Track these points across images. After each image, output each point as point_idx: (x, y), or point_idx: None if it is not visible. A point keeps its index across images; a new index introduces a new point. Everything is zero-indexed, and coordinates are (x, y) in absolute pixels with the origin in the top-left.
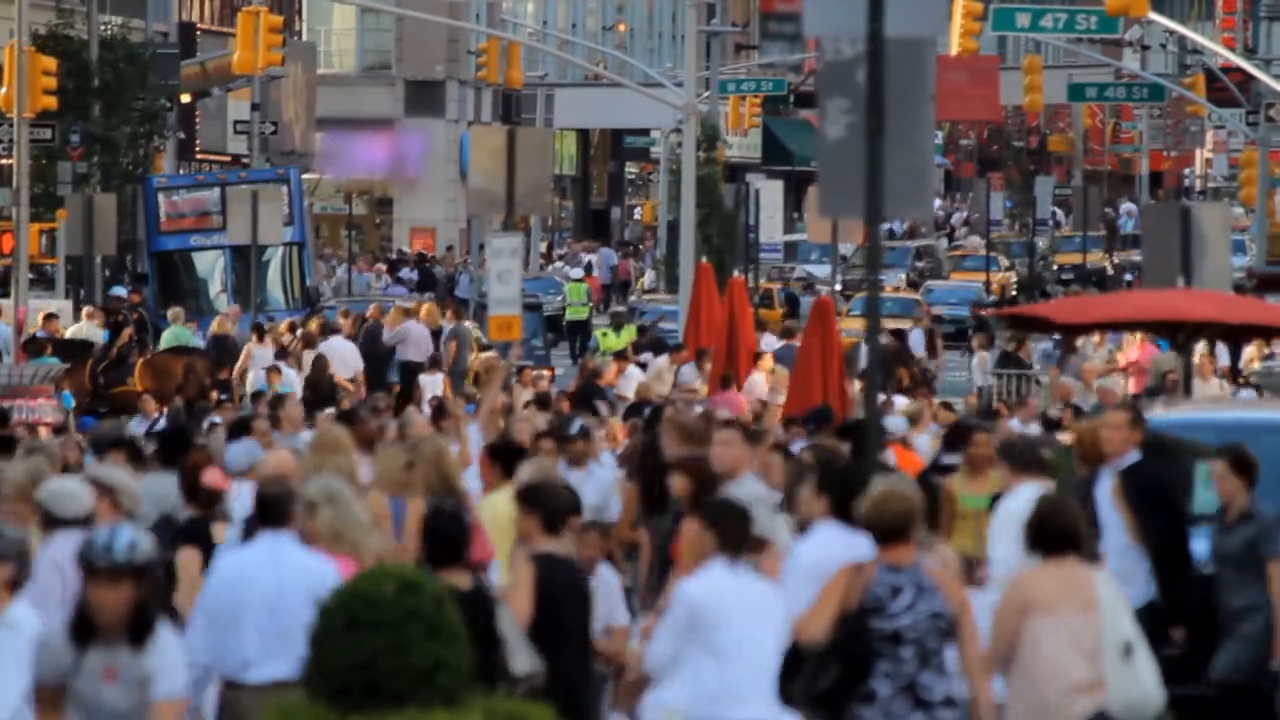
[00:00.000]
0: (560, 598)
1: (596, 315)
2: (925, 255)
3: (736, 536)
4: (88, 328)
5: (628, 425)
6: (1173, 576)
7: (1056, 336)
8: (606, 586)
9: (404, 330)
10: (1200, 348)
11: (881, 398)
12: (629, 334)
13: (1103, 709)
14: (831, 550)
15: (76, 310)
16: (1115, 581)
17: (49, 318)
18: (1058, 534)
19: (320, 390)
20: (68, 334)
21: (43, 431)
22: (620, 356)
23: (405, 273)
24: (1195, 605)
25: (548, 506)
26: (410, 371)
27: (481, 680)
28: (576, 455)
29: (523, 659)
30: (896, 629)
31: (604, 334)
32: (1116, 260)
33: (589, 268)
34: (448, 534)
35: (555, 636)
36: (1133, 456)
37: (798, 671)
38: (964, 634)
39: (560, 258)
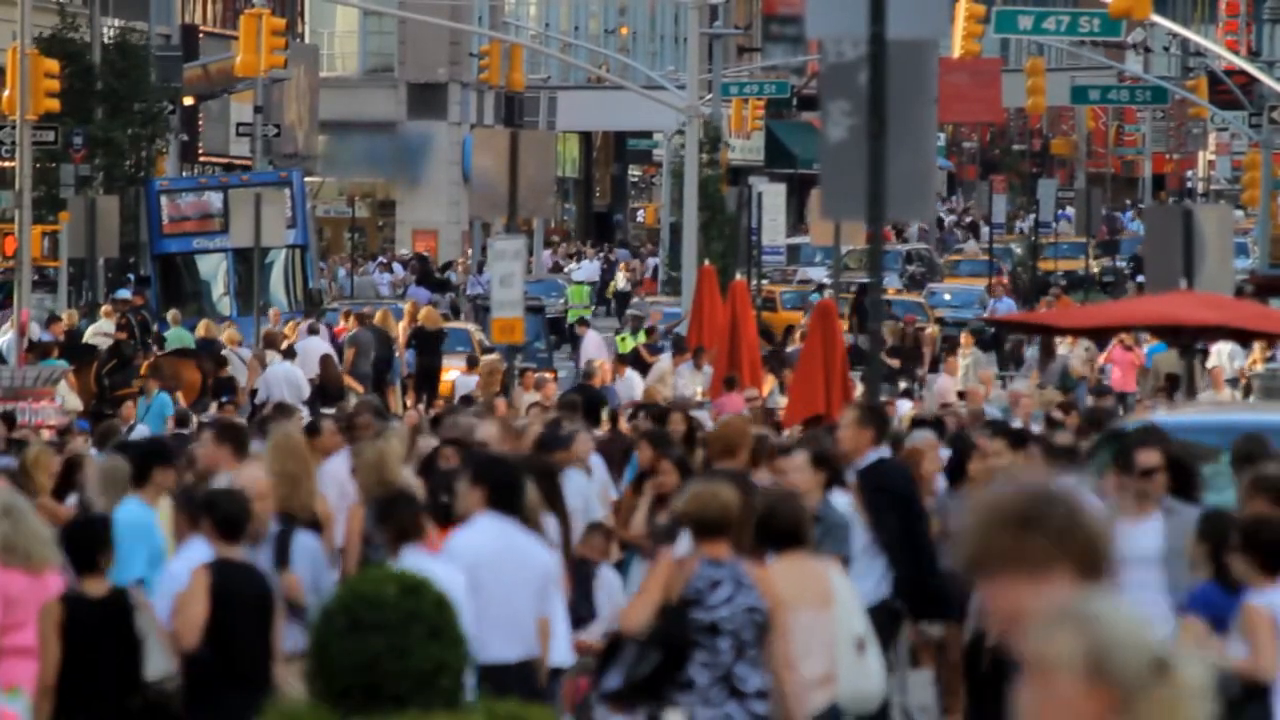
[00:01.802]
0: (236, 604)
1: (606, 318)
2: (916, 259)
3: (402, 524)
4: (106, 325)
5: (630, 426)
6: (907, 574)
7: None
8: (609, 586)
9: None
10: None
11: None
12: (645, 338)
13: (834, 702)
14: (488, 541)
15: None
16: (847, 577)
17: (53, 320)
18: (782, 530)
19: (329, 391)
20: (88, 333)
21: (45, 434)
22: (632, 358)
23: (379, 276)
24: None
25: (221, 512)
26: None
27: (117, 684)
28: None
29: (157, 663)
30: (714, 620)
31: (623, 338)
32: (1110, 264)
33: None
34: (86, 542)
35: (230, 641)
36: (870, 456)
37: (617, 659)
38: (774, 631)
39: (571, 256)
